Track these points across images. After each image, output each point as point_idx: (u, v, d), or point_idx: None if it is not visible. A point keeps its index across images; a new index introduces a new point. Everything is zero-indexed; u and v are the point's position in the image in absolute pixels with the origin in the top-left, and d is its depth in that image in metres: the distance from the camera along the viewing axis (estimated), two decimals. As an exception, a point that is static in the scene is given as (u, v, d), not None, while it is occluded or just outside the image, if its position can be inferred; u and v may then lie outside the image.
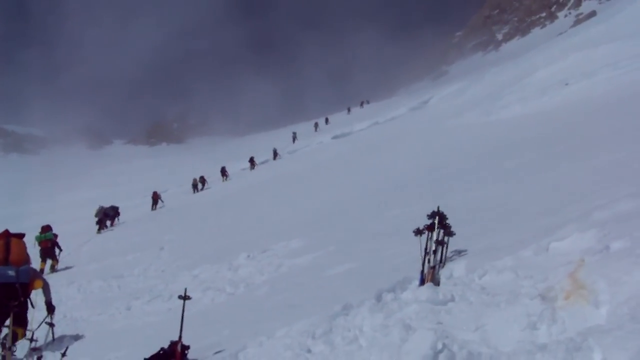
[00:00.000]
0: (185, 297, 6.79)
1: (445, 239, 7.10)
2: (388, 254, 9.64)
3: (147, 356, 6.56)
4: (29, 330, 9.60)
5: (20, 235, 10.72)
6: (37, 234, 23.16)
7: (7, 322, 10.31)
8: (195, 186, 53.03)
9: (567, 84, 25.79)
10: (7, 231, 10.60)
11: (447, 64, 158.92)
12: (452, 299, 5.80)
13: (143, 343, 8.00)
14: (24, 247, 10.50)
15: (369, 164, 31.04)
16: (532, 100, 26.65)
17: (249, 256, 14.12)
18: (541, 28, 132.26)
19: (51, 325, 8.10)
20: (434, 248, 6.89)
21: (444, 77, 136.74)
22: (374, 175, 24.74)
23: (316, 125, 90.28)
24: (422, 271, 6.67)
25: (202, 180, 54.05)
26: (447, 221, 7.15)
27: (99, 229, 36.25)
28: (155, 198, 45.52)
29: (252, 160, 61.55)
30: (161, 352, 6.51)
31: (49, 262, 23.13)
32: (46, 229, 23.52)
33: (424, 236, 7.06)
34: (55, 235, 23.58)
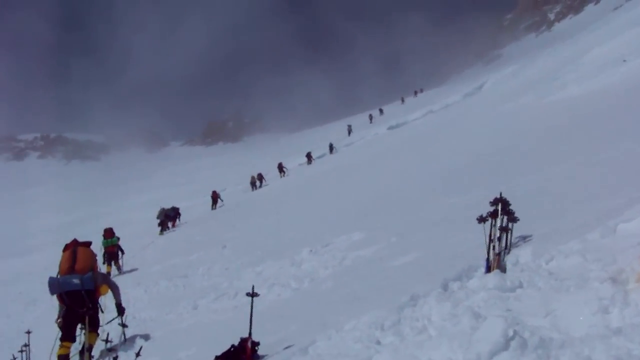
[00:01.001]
0: (252, 294, 6.86)
1: (510, 225, 7.04)
2: (451, 242, 9.59)
3: (218, 353, 6.64)
4: (104, 330, 9.86)
5: (87, 244, 11.04)
6: (102, 238, 23.81)
7: (80, 326, 10.67)
8: (253, 184, 53.36)
9: (624, 61, 25.24)
10: (75, 241, 10.94)
11: (499, 47, 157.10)
12: (520, 286, 5.75)
13: (212, 341, 8.11)
14: (89, 255, 10.80)
15: (425, 152, 30.86)
16: (588, 79, 26.12)
17: (311, 251, 14.17)
18: (595, 4, 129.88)
19: (124, 326, 8.31)
20: (498, 235, 6.83)
21: (496, 61, 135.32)
22: (431, 163, 24.59)
23: (370, 116, 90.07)
24: (488, 258, 6.63)
25: (260, 177, 54.33)
26: (511, 207, 7.09)
27: (161, 231, 36.80)
28: (215, 197, 45.95)
29: (309, 155, 61.70)
30: (232, 349, 6.59)
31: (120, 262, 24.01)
32: (110, 233, 24.14)
33: (487, 223, 7.02)
34: (118, 239, 24.23)
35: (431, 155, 28.16)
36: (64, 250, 10.82)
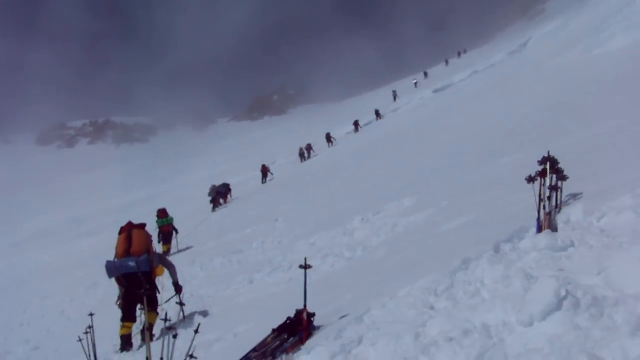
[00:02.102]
0: (305, 266, 6.94)
1: (559, 183, 6.99)
2: (501, 204, 9.56)
3: (275, 326, 6.74)
4: (162, 309, 10.09)
5: (142, 226, 11.27)
6: (155, 218, 24.28)
7: (140, 307, 10.93)
8: (302, 155, 53.52)
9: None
10: (130, 223, 11.18)
11: (542, 1, 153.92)
12: (572, 244, 5.72)
13: (269, 314, 8.21)
14: (144, 236, 11.05)
15: (472, 113, 30.58)
16: (639, 29, 25.51)
17: (363, 219, 14.22)
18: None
19: (181, 304, 8.46)
20: (548, 194, 6.79)
21: (540, 15, 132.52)
22: (478, 124, 24.35)
23: (414, 81, 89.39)
24: (538, 218, 6.60)
25: (309, 148, 54.43)
26: (559, 165, 7.04)
27: (214, 207, 37.18)
28: (264, 171, 46.22)
29: (356, 123, 61.58)
30: (288, 321, 6.68)
31: (173, 242, 24.36)
32: (163, 213, 24.60)
33: (537, 183, 6.98)
34: (171, 218, 24.67)
35: (478, 116, 27.89)
36: (119, 233, 11.05)
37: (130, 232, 10.91)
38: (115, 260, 10.63)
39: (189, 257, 20.14)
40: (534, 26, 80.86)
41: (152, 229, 15.31)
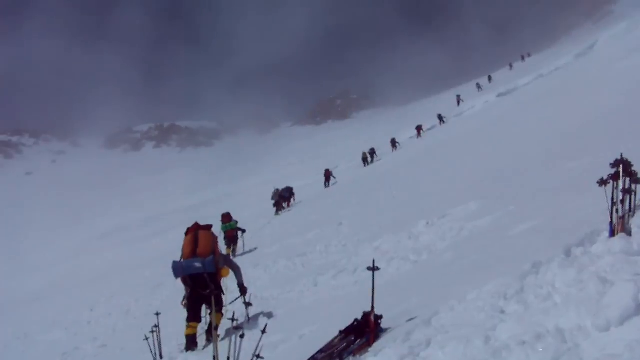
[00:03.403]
0: (374, 269, 6.90)
1: (633, 187, 6.82)
2: (570, 208, 9.38)
3: (342, 328, 6.72)
4: (228, 310, 10.17)
5: (208, 227, 11.36)
6: (220, 223, 24.67)
7: (205, 307, 11.06)
8: (365, 159, 53.49)
9: None
10: (196, 224, 11.29)
11: (609, 4, 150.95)
12: (648, 248, 5.59)
13: (335, 316, 8.21)
14: (210, 238, 11.12)
15: (538, 117, 30.13)
16: None
17: (428, 223, 14.11)
18: None
19: (248, 304, 8.53)
20: (621, 197, 6.63)
21: (607, 18, 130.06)
22: (544, 128, 23.98)
23: (478, 85, 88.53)
24: (611, 222, 6.44)
25: (372, 152, 54.37)
26: (633, 168, 6.87)
27: (277, 211, 37.39)
28: (328, 175, 46.33)
29: (419, 128, 61.32)
30: (355, 323, 6.65)
31: (240, 242, 25.00)
32: (228, 217, 25.01)
33: (609, 186, 6.81)
34: (236, 222, 25.05)
35: (544, 119, 27.46)
36: (186, 234, 11.16)
37: (197, 233, 11.00)
38: (182, 261, 10.75)
39: (253, 260, 20.27)
40: (601, 28, 79.44)
41: (218, 232, 15.39)
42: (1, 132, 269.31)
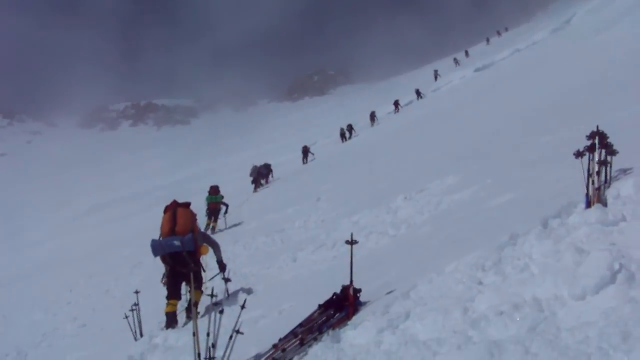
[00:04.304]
0: (352, 242, 6.92)
1: (609, 158, 6.87)
2: (548, 180, 9.42)
3: (321, 302, 6.75)
4: (207, 287, 10.19)
5: (187, 205, 11.32)
6: (207, 194, 24.85)
7: (185, 284, 11.07)
8: (343, 135, 53.45)
9: None
10: (174, 202, 11.25)
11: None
12: (624, 219, 5.62)
13: (314, 291, 8.22)
14: (189, 215, 11.11)
15: (514, 91, 30.24)
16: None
17: (406, 197, 14.15)
18: None
19: (227, 280, 8.52)
20: (597, 169, 6.67)
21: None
22: (521, 102, 24.02)
23: (456, 60, 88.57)
24: (587, 193, 6.48)
25: (350, 128, 54.32)
26: (609, 140, 6.91)
27: (255, 188, 37.38)
28: (306, 151, 46.31)
29: (396, 103, 61.33)
30: (334, 297, 6.69)
31: (221, 220, 25.13)
32: (215, 190, 25.21)
33: (585, 158, 6.86)
34: (222, 197, 25.21)
35: (521, 94, 27.54)
36: (165, 212, 11.12)
37: (176, 210, 10.98)
38: (161, 239, 10.73)
39: (232, 237, 20.26)
40: (577, 2, 79.62)
41: (200, 206, 15.35)
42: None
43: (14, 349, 15.30)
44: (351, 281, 6.72)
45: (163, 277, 11.36)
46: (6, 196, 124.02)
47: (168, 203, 11.36)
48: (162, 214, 11.19)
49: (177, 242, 10.52)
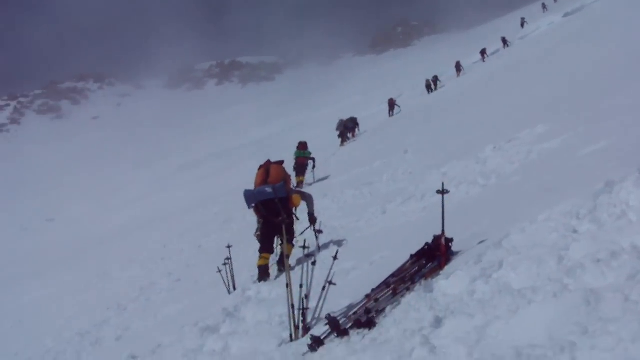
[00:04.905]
0: (443, 192, 6.87)
1: None
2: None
3: (413, 252, 6.75)
4: (298, 241, 10.33)
5: (280, 162, 11.60)
6: (295, 150, 25.07)
7: (277, 237, 11.27)
8: (428, 86, 52.80)
9: None
10: (268, 161, 11.57)
11: None
12: None
13: (404, 242, 8.21)
14: (282, 170, 11.36)
15: (606, 37, 29.12)
16: None
17: (495, 147, 13.93)
18: None
19: (319, 232, 8.60)
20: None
21: None
22: (615, 47, 23.14)
23: (544, 5, 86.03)
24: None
25: (435, 79, 53.62)
26: None
27: (342, 142, 37.42)
28: (392, 104, 45.96)
29: (483, 52, 60.24)
30: (426, 247, 6.67)
31: (308, 175, 25.41)
32: (303, 145, 25.35)
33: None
34: (310, 153, 25.35)
35: (614, 38, 26.52)
36: (259, 169, 11.38)
37: (269, 167, 11.29)
38: (254, 189, 10.95)
39: (321, 191, 20.38)
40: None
41: (288, 163, 15.47)
42: (66, 79, 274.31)
43: (114, 303, 15.88)
44: (443, 231, 6.69)
45: (257, 230, 11.62)
46: (100, 157, 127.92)
47: (261, 162, 11.66)
48: (252, 169, 11.45)
49: (269, 190, 10.77)
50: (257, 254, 11.18)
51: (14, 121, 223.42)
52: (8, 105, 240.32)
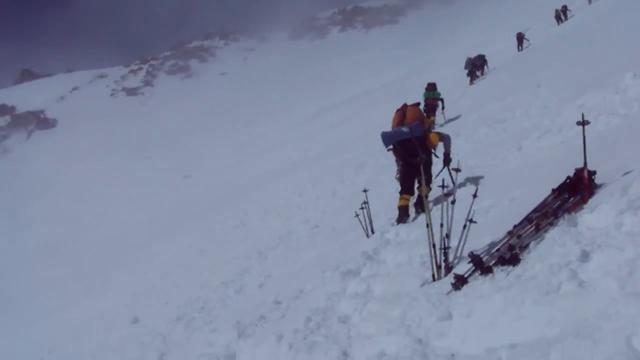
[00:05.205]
0: (583, 122, 6.65)
1: None
2: None
3: (554, 187, 6.60)
4: (434, 183, 10.33)
5: (416, 104, 11.77)
6: (424, 91, 24.99)
7: (417, 180, 11.35)
8: (558, 17, 50.85)
9: None
10: (404, 104, 11.63)
11: None
12: None
13: (543, 177, 8.02)
14: (418, 111, 11.44)
15: None
16: None
17: (635, 75, 13.27)
18: None
19: (457, 170, 8.50)
20: None
21: None
22: None
23: None
24: None
25: (564, 9, 51.54)
26: None
27: (471, 80, 36.91)
28: (520, 38, 44.75)
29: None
30: (568, 181, 6.51)
31: (438, 116, 25.39)
32: (432, 87, 25.28)
33: None
34: (439, 94, 25.20)
35: None
36: (395, 112, 11.51)
37: (405, 109, 11.40)
38: (391, 130, 11.04)
39: (453, 130, 20.12)
40: None
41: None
42: (194, 38, 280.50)
43: (255, 252, 16.36)
44: (585, 163, 6.49)
45: (397, 172, 11.79)
46: (230, 112, 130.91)
47: (398, 107, 11.74)
48: (381, 114, 11.55)
49: (405, 129, 10.90)
50: (397, 195, 11.28)
51: (147, 83, 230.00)
52: (141, 68, 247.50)
